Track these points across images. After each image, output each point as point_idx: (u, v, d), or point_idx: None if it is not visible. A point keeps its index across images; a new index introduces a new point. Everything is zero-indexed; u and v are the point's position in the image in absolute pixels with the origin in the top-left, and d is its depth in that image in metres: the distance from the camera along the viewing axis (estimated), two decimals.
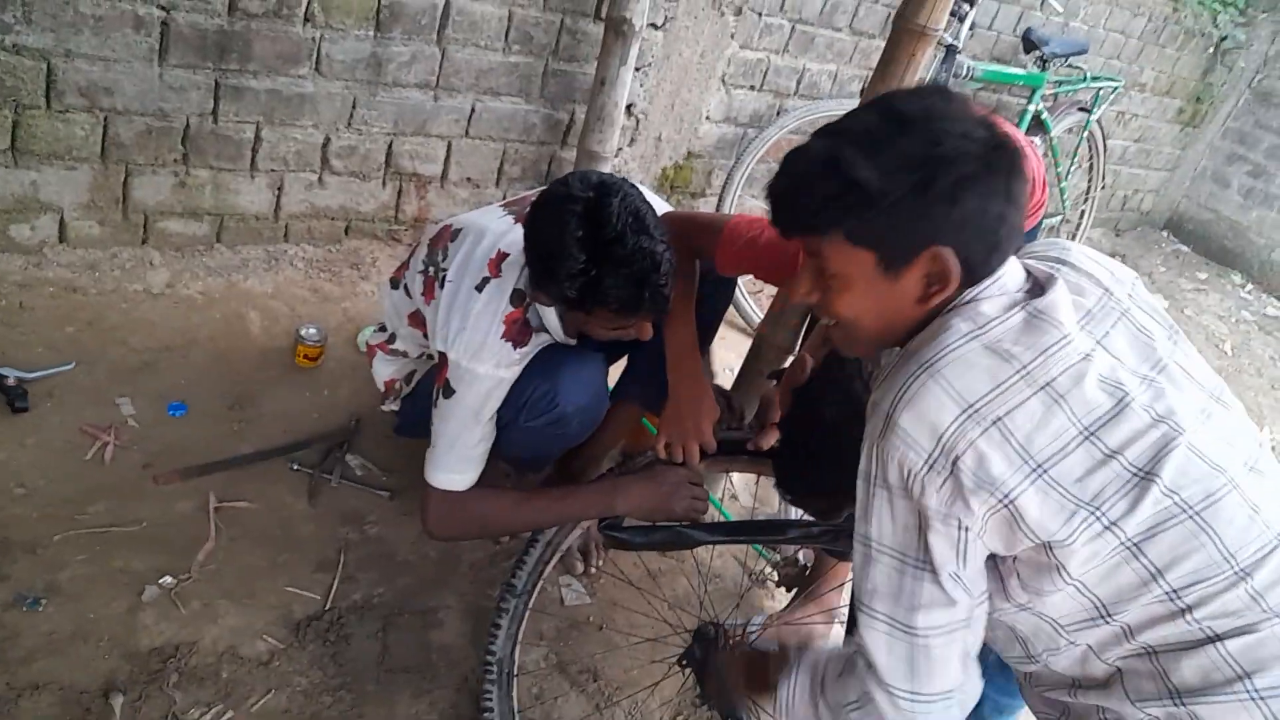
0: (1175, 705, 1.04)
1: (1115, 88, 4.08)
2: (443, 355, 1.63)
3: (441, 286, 1.67)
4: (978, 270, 1.08)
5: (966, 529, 1.05)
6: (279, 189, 2.54)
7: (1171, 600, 1.03)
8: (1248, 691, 1.01)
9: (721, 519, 2.20)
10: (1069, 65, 3.91)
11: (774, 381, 1.76)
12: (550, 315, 1.65)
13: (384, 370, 1.94)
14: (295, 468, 1.97)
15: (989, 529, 1.05)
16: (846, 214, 1.07)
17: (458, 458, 1.63)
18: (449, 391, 1.62)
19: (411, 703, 1.63)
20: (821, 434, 1.53)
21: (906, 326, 1.13)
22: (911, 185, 1.03)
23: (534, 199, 1.57)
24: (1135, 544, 1.02)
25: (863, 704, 1.13)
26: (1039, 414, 1.02)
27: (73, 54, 2.08)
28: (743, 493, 2.37)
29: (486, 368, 1.60)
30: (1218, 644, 1.02)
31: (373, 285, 2.65)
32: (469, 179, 2.85)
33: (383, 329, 1.94)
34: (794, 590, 2.01)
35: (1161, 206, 5.40)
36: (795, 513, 2.27)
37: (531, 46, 2.72)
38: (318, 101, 2.45)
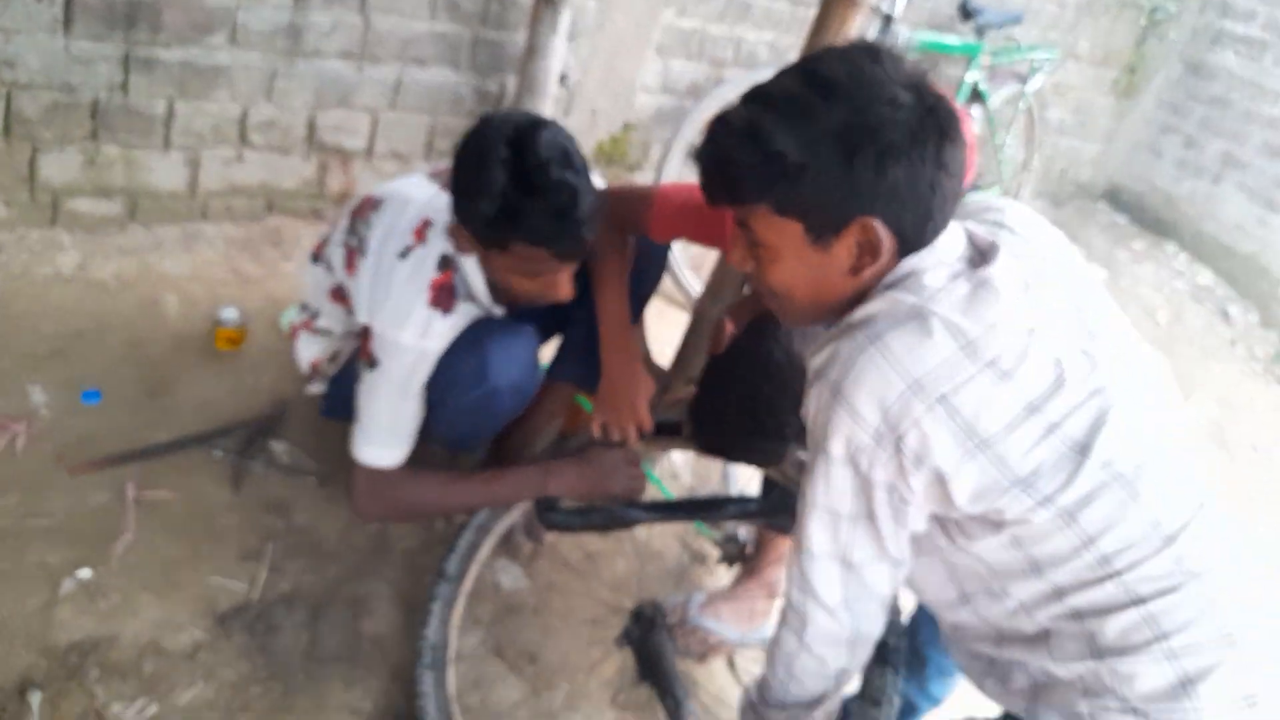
0: (1096, 662, 1.09)
1: (1051, 59, 4.12)
2: (366, 327, 1.60)
3: (364, 256, 1.63)
4: (912, 240, 1.07)
5: (906, 501, 1.08)
6: (195, 165, 2.44)
7: (1102, 565, 1.06)
8: (1163, 651, 1.06)
9: (662, 497, 2.18)
10: (1006, 36, 3.94)
11: None
12: (475, 276, 1.61)
13: (307, 351, 1.88)
14: (218, 455, 1.91)
15: (929, 499, 1.08)
16: (770, 186, 1.05)
17: (385, 432, 1.61)
18: (374, 363, 1.58)
19: (343, 692, 1.60)
20: (735, 397, 1.52)
21: (840, 297, 1.12)
22: (835, 156, 1.01)
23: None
24: (1070, 513, 1.04)
25: (799, 632, 1.20)
26: (986, 391, 1.01)
27: None
28: (684, 470, 2.36)
29: (411, 337, 1.56)
30: (1140, 606, 1.05)
31: (295, 265, 2.56)
32: (396, 153, 2.77)
33: (305, 308, 1.88)
34: (734, 566, 2.01)
35: (1099, 178, 5.48)
36: (736, 490, 2.28)
37: (459, 14, 2.64)
38: (234, 73, 2.36)
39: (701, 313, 2.10)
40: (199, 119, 2.37)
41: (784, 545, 1.90)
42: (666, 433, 1.80)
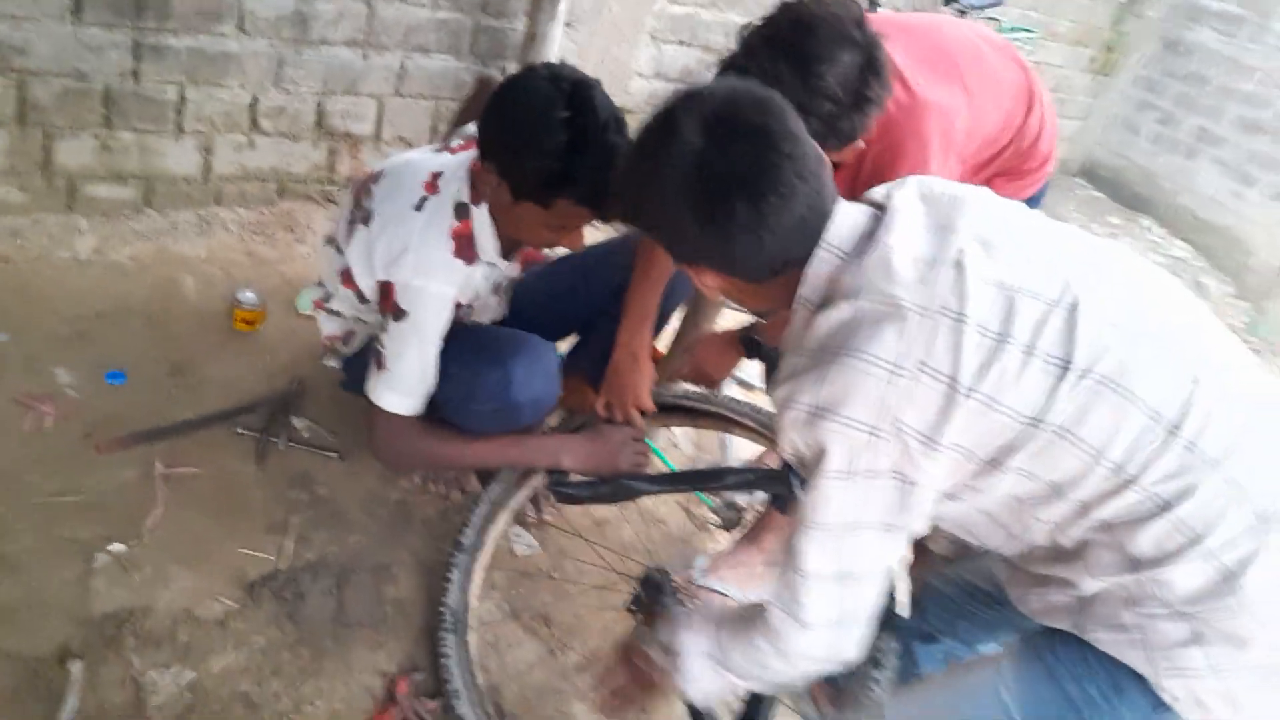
0: (1134, 574, 1.07)
1: (1031, 37, 4.19)
2: (385, 284, 1.61)
3: (367, 225, 1.66)
4: (752, 270, 1.14)
5: (913, 483, 1.06)
6: (207, 150, 2.49)
7: (1116, 474, 1.04)
8: (1199, 554, 1.03)
9: (665, 469, 2.28)
10: (987, 17, 4.01)
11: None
12: (485, 229, 1.64)
13: (326, 326, 1.95)
14: (241, 432, 1.98)
15: (943, 472, 1.07)
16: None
17: (406, 380, 1.64)
18: (399, 314, 1.60)
19: (369, 655, 1.68)
20: None
21: (771, 297, 1.19)
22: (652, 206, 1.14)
23: (495, 88, 1.54)
24: (1068, 430, 1.03)
25: (765, 639, 1.18)
26: (951, 340, 1.02)
27: None
28: (684, 441, 2.46)
29: (437, 285, 1.60)
30: (1166, 514, 1.03)
31: (309, 247, 2.63)
32: (401, 138, 2.83)
33: (321, 286, 1.95)
34: (733, 530, 2.11)
35: (1076, 154, 5.57)
36: (735, 461, 2.38)
37: (460, 2, 2.69)
38: (243, 60, 2.40)
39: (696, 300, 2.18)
40: (210, 105, 2.42)
41: (779, 518, 2.00)
42: (666, 411, 1.90)
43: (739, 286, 1.17)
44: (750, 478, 1.90)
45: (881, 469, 1.05)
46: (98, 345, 2.07)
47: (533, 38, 2.71)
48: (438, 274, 1.60)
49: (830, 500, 1.08)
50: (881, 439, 1.04)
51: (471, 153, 1.66)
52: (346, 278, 1.79)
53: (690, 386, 1.97)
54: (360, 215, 1.69)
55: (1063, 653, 1.16)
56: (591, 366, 1.92)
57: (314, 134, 2.65)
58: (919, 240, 1.08)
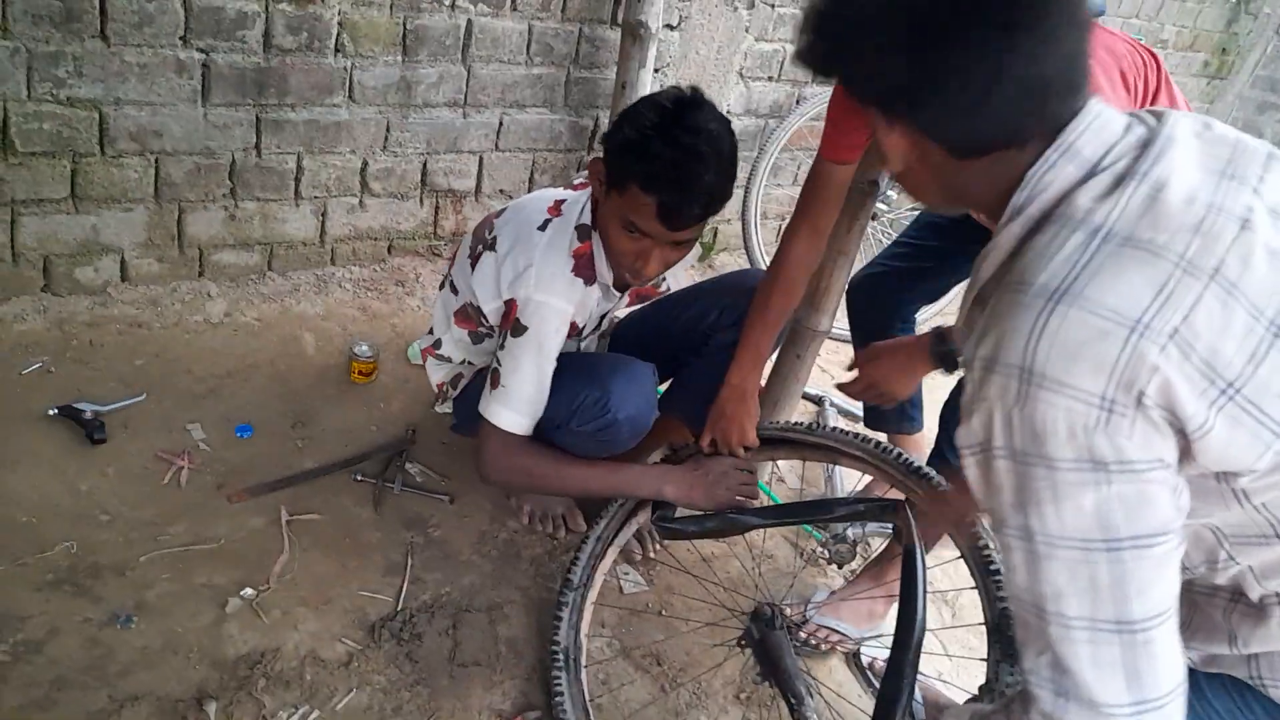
0: None
1: None
2: (509, 302, 1.68)
3: (493, 250, 1.73)
4: (962, 142, 0.89)
5: (1169, 466, 0.81)
6: (323, 214, 2.64)
7: None
8: None
9: (769, 502, 2.25)
10: None
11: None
12: (602, 252, 1.70)
13: (435, 374, 2.03)
14: (358, 478, 2.06)
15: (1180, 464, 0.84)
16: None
17: (521, 396, 1.68)
18: (519, 330, 1.66)
19: (484, 694, 1.70)
20: None
21: (966, 187, 0.94)
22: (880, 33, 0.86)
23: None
24: None
25: None
26: (1218, 315, 0.78)
27: (122, 101, 2.19)
28: (789, 475, 2.42)
29: (558, 301, 1.66)
30: None
31: (418, 300, 2.74)
32: (501, 190, 2.93)
33: (431, 334, 2.03)
34: (844, 566, 2.06)
35: None
36: (841, 493, 2.33)
37: (552, 57, 2.79)
38: (354, 128, 2.54)
39: (798, 322, 2.16)
40: (324, 172, 2.57)
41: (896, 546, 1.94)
42: (772, 444, 1.89)
43: (932, 158, 0.91)
44: (860, 509, 1.85)
45: (1135, 458, 0.79)
46: (227, 401, 2.20)
47: (624, 86, 2.77)
48: (558, 290, 1.66)
49: (1068, 499, 0.80)
50: (1121, 416, 0.78)
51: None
52: (461, 316, 1.86)
53: (794, 419, 1.95)
54: (484, 244, 1.77)
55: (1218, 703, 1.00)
56: (688, 408, 1.93)
57: (419, 192, 2.77)
58: (1197, 181, 0.84)
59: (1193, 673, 1.00)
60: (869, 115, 0.93)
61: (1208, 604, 0.99)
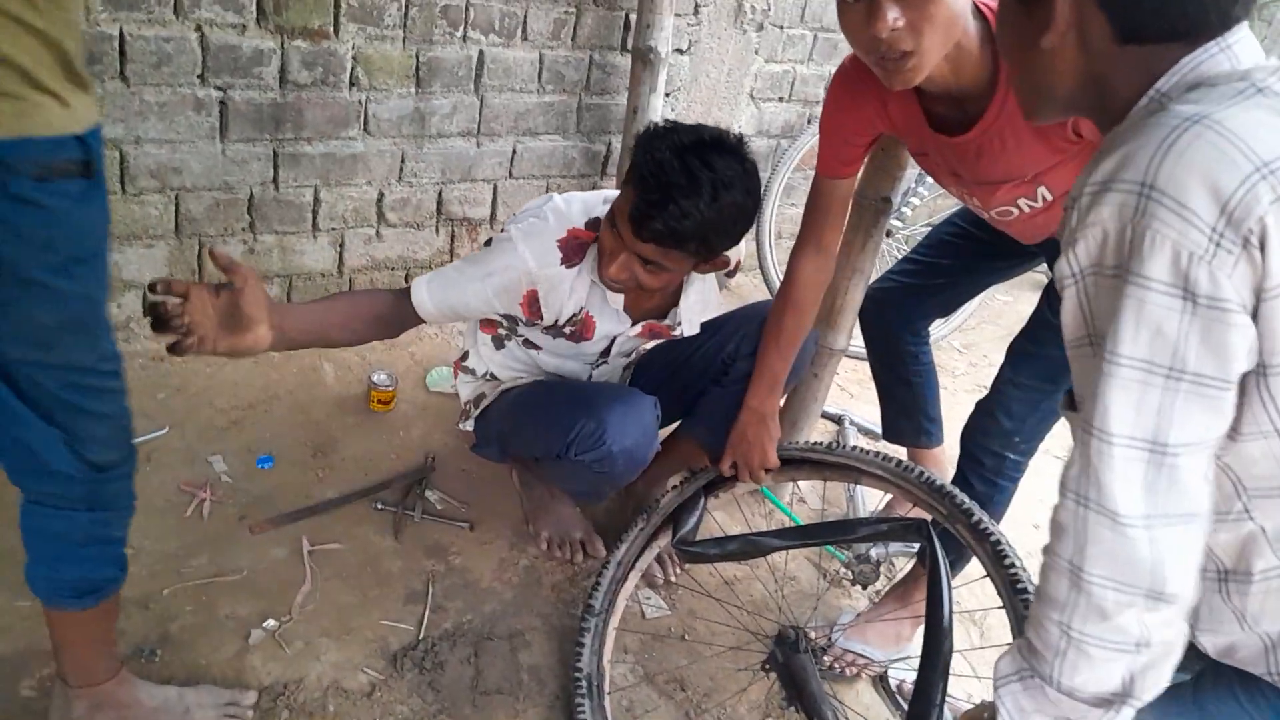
0: None
1: None
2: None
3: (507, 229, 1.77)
4: (1141, 28, 0.86)
5: (1251, 329, 0.80)
6: (340, 246, 2.67)
7: None
8: None
9: (791, 523, 2.24)
10: None
11: None
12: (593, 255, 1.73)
13: (463, 391, 2.05)
14: (379, 507, 2.07)
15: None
16: None
17: (444, 282, 1.70)
18: (486, 243, 1.72)
19: None
20: None
21: (1115, 89, 0.90)
22: None
23: None
24: None
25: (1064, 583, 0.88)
26: None
27: (142, 140, 2.23)
28: (810, 495, 2.41)
29: (527, 251, 1.67)
30: None
31: (434, 329, 2.76)
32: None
33: (463, 346, 2.06)
34: (867, 587, 2.04)
35: None
36: (863, 512, 2.31)
37: (564, 84, 2.82)
38: (369, 159, 2.57)
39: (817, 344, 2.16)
40: (341, 204, 2.60)
41: (921, 566, 1.92)
42: (792, 465, 1.88)
43: (1093, 36, 0.88)
44: (883, 529, 1.83)
45: (1228, 298, 0.78)
46: (248, 433, 2.22)
47: (635, 110, 2.79)
48: (535, 245, 1.68)
49: (1148, 320, 0.80)
50: (1227, 252, 0.77)
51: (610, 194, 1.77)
52: (485, 320, 1.89)
53: (814, 438, 1.94)
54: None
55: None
56: (707, 433, 1.93)
57: (435, 221, 2.79)
58: None
59: (1194, 684, 1.02)
60: None
61: (1204, 587, 0.97)
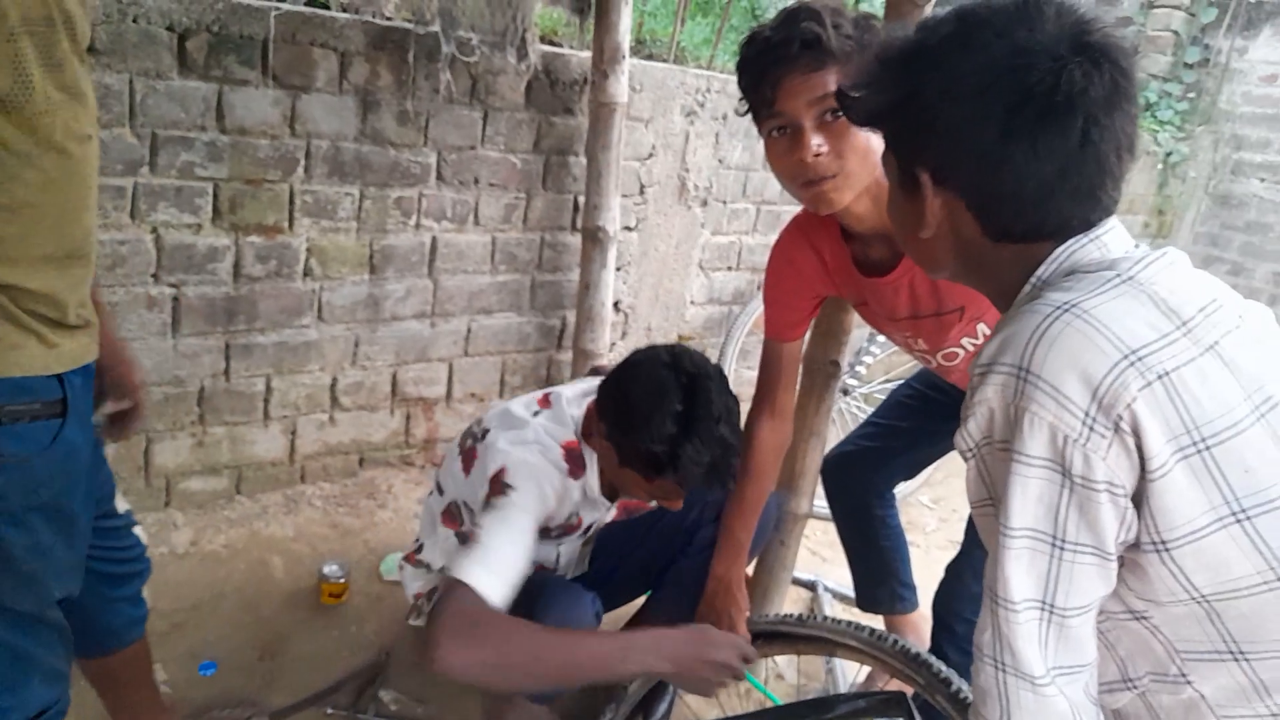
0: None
1: None
2: (497, 471, 1.54)
3: (482, 439, 1.68)
4: (1003, 227, 0.92)
5: (1128, 493, 0.84)
6: (292, 433, 2.63)
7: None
8: None
9: (769, 703, 2.12)
10: None
11: None
12: (592, 466, 1.67)
13: (412, 584, 1.95)
14: (329, 712, 1.94)
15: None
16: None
17: (501, 559, 1.41)
18: (504, 490, 1.50)
19: None
20: None
21: (993, 274, 0.97)
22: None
23: (621, 362, 1.61)
24: None
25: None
26: (1211, 377, 0.83)
27: None
28: (787, 669, 2.30)
29: (546, 469, 1.58)
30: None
31: (390, 512, 2.68)
32: (473, 394, 2.95)
33: (416, 540, 1.97)
34: None
35: None
36: (844, 683, 2.21)
37: (517, 264, 2.89)
38: (323, 346, 2.58)
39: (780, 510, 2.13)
40: (294, 391, 2.58)
41: None
42: (765, 638, 1.80)
43: (964, 232, 0.94)
44: (861, 705, 1.75)
45: (1098, 478, 0.82)
46: (191, 637, 2.09)
47: (587, 286, 2.86)
48: (548, 465, 1.60)
49: (1030, 495, 0.85)
50: (1099, 435, 0.81)
51: (586, 385, 1.75)
52: (448, 516, 1.81)
53: (786, 608, 1.88)
54: (474, 438, 1.73)
55: None
56: (675, 609, 1.86)
57: (390, 402, 2.78)
58: (1197, 284, 0.91)
59: None
60: (919, 175, 0.94)
61: None
